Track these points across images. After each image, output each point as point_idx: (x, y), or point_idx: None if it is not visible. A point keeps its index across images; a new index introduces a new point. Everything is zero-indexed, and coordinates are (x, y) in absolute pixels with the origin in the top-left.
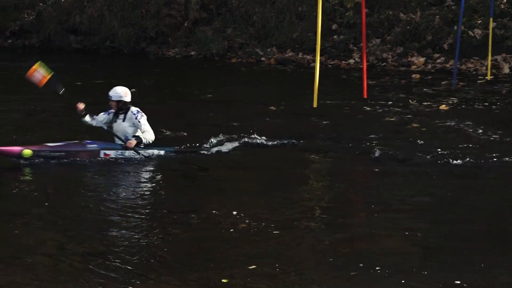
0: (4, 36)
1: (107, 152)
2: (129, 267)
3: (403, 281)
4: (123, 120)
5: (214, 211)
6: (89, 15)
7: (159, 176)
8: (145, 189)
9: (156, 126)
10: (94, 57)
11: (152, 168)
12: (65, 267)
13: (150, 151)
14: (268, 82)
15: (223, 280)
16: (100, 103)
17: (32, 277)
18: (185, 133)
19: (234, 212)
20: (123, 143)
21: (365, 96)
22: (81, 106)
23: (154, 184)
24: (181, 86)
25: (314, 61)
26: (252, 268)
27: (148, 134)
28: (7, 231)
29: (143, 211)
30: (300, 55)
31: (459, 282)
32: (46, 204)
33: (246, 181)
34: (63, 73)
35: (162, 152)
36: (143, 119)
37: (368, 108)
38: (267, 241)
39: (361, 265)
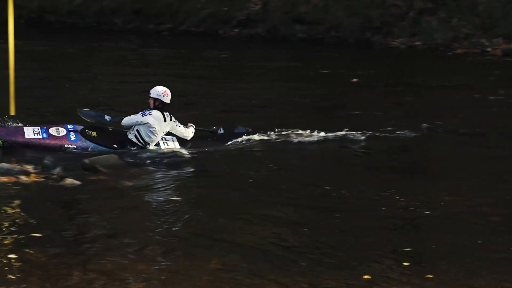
0: (231, 25)
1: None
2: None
3: None
4: None
5: (372, 199)
6: (315, 4)
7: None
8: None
9: (371, 111)
10: (318, 47)
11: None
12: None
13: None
14: (492, 74)
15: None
16: (324, 93)
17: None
18: (399, 118)
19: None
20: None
21: None
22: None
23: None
24: (405, 76)
25: None
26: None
27: (124, 119)
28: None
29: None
30: None
31: None
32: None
33: (444, 169)
34: (291, 60)
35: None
36: (147, 114)
37: None
38: (434, 236)
39: None
